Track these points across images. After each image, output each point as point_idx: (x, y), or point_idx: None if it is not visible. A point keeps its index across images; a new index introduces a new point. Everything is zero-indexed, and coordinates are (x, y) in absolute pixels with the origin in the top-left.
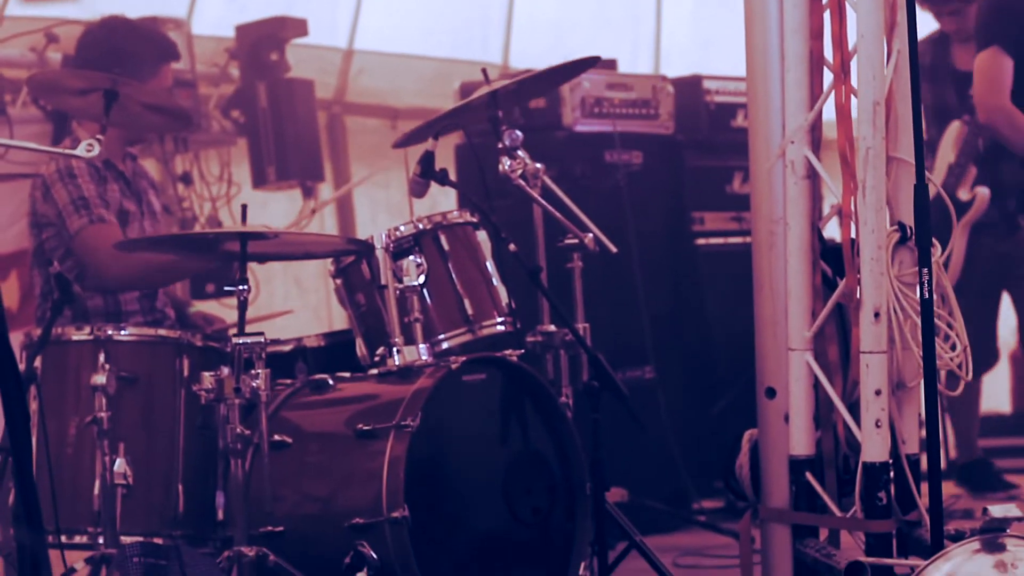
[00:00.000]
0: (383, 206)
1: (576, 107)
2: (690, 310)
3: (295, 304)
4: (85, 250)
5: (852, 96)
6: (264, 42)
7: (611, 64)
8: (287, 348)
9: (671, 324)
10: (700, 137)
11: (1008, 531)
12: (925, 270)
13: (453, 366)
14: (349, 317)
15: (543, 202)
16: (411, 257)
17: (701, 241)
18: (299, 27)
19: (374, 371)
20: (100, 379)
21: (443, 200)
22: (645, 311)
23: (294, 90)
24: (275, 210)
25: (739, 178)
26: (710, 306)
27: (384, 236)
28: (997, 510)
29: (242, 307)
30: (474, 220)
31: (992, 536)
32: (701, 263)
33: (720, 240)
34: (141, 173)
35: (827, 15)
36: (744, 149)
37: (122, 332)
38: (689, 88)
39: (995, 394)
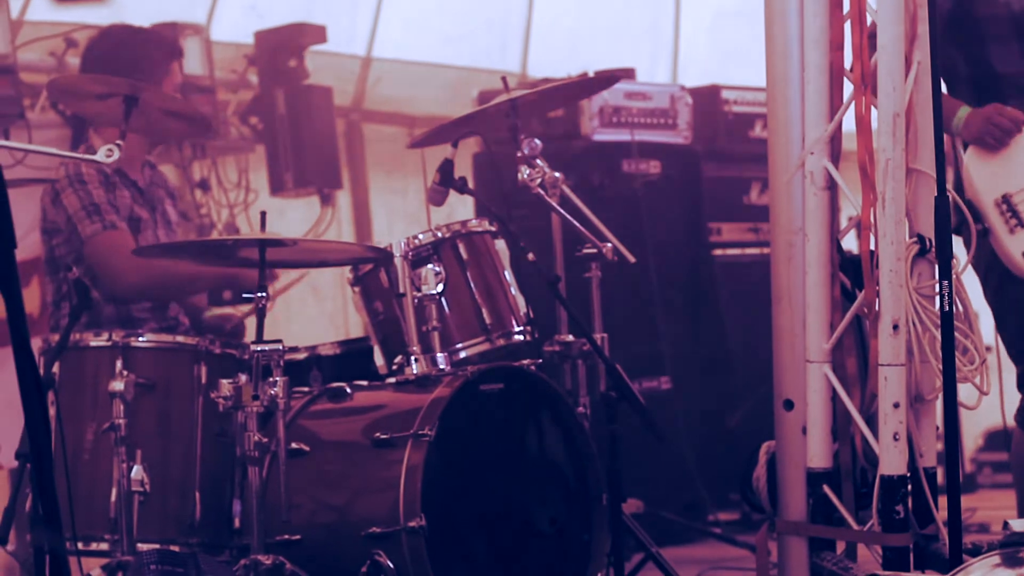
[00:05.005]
0: (400, 214)
1: (594, 116)
2: (707, 321)
3: (312, 312)
4: (98, 257)
5: (872, 108)
6: (283, 49)
7: (629, 73)
8: (302, 356)
9: (688, 334)
10: (718, 147)
11: None
12: (945, 283)
13: (471, 375)
14: (366, 325)
15: (562, 211)
16: (429, 265)
17: (718, 251)
18: (318, 34)
19: (391, 380)
20: (118, 385)
21: (460, 208)
22: (662, 321)
23: (312, 97)
24: (292, 217)
25: (757, 188)
26: (727, 317)
27: (403, 244)
28: (1018, 524)
29: (260, 314)
30: (492, 229)
31: (1012, 550)
32: (718, 273)
33: (737, 251)
34: (159, 182)
35: (848, 26)
36: (762, 159)
37: (140, 338)
38: (707, 98)
39: None
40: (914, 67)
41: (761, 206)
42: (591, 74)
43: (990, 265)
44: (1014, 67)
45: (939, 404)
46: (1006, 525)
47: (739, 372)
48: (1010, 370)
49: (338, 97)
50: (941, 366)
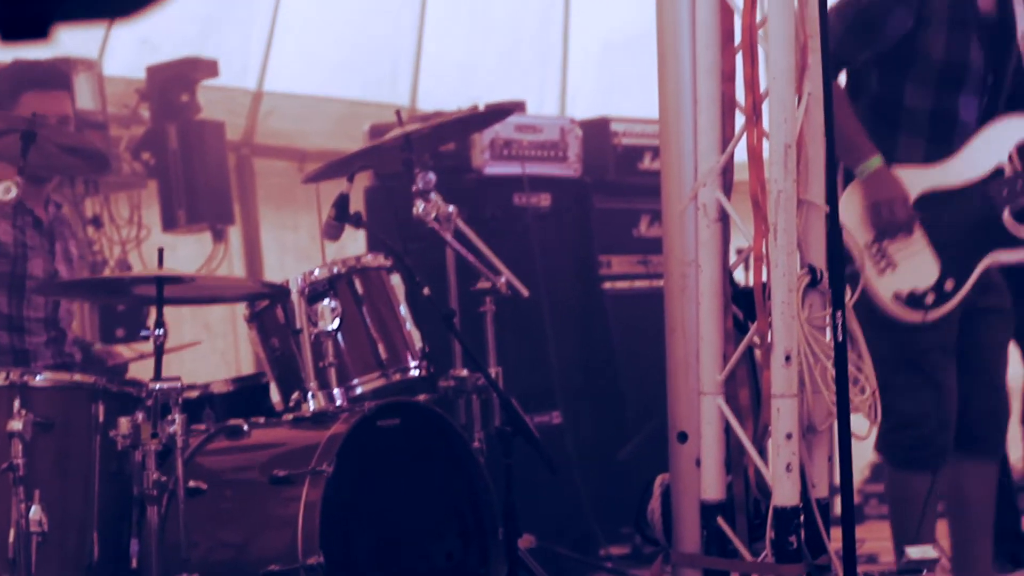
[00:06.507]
0: (291, 249)
1: (485, 149)
2: (598, 353)
3: (204, 348)
4: None
5: (764, 139)
6: (175, 83)
7: (520, 106)
8: (195, 394)
9: (579, 367)
10: (607, 179)
11: (925, 572)
12: (839, 313)
13: (368, 411)
14: (262, 361)
15: (458, 246)
16: (326, 301)
17: (608, 284)
18: (210, 68)
19: (288, 416)
20: (16, 425)
21: (351, 242)
22: (553, 355)
23: (204, 132)
24: (183, 253)
25: (646, 220)
26: (618, 349)
27: (299, 280)
28: (914, 551)
29: (158, 352)
30: (388, 264)
31: None
32: (608, 306)
33: (627, 283)
34: (64, 221)
35: (739, 58)
36: (651, 191)
37: (37, 377)
38: (597, 130)
39: None
40: (804, 98)
41: (650, 238)
42: (481, 107)
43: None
44: (921, 104)
45: (830, 434)
46: (903, 553)
47: (630, 405)
48: None
49: (229, 131)
50: (833, 396)
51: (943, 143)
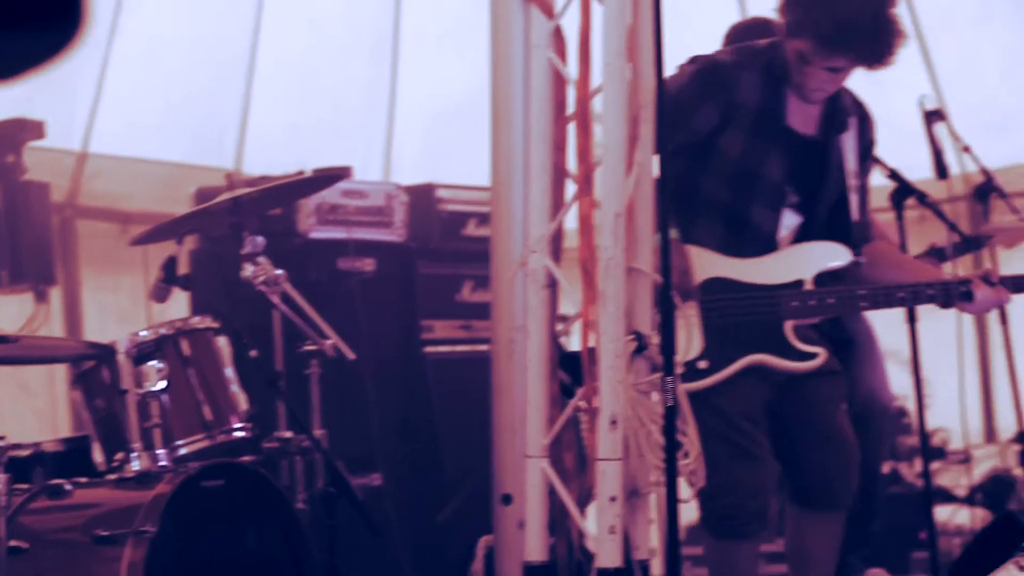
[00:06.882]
0: (112, 311)
1: (311, 214)
2: (419, 417)
3: (22, 408)
4: None
5: (594, 207)
6: (0, 144)
7: (346, 172)
8: (25, 453)
9: (400, 430)
10: (432, 245)
11: None
12: (669, 378)
13: (192, 472)
14: (85, 422)
15: (285, 308)
16: (152, 362)
17: (430, 348)
18: (36, 129)
19: (112, 476)
20: None
21: (174, 304)
22: (374, 417)
23: (29, 193)
24: (3, 314)
25: (469, 286)
26: (438, 412)
27: (126, 341)
28: None
29: None
30: (215, 326)
31: None
32: (430, 370)
33: (448, 348)
34: None
35: (571, 127)
36: (475, 257)
37: None
38: (422, 196)
39: None
40: (635, 168)
41: (473, 303)
42: (307, 171)
43: None
44: (718, 197)
45: (653, 498)
46: None
47: (449, 467)
48: None
49: (54, 192)
50: (656, 461)
51: (738, 239)
